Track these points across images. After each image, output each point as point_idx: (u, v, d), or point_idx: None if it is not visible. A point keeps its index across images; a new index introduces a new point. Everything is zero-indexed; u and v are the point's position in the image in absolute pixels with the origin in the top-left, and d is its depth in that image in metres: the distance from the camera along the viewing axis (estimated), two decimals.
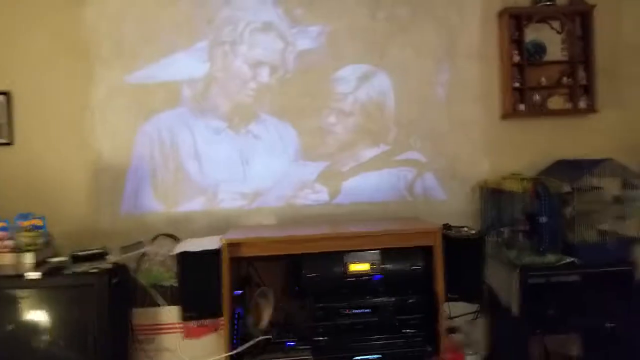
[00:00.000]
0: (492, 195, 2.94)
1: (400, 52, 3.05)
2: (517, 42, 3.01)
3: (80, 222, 2.89)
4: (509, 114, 3.03)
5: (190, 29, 2.95)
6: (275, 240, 2.53)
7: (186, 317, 2.50)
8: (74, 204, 2.91)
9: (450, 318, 2.91)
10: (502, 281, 2.78)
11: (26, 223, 2.48)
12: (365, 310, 2.51)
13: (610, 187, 2.75)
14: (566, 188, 2.70)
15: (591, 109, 3.02)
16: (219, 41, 2.98)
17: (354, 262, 2.52)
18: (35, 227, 2.46)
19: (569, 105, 3.03)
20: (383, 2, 3.03)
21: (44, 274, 2.36)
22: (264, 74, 3.01)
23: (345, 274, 2.51)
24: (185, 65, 2.96)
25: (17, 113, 2.89)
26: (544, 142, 3.08)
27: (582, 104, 3.01)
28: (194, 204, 2.99)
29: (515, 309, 2.65)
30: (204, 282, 2.44)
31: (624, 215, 2.73)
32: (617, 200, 2.74)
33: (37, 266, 2.39)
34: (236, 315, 2.54)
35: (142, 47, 2.93)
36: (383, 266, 2.52)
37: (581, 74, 3.01)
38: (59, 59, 2.90)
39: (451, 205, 3.08)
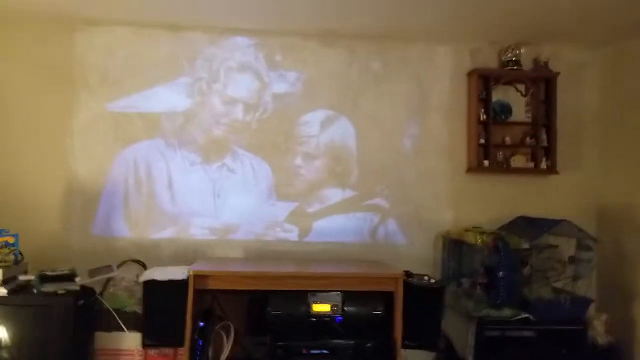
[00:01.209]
0: (454, 246, 3.04)
1: (372, 103, 3.22)
2: (485, 101, 3.17)
3: (51, 241, 2.94)
4: (474, 168, 3.18)
5: (173, 65, 3.09)
6: (242, 275, 2.60)
7: (147, 344, 2.54)
8: (46, 223, 2.97)
9: None
10: (459, 332, 2.85)
11: None
12: (324, 352, 2.56)
13: (567, 247, 2.88)
14: (525, 245, 2.81)
15: (552, 170, 3.17)
16: (200, 78, 3.12)
17: (318, 303, 2.58)
18: (7, 245, 2.51)
19: (531, 165, 3.18)
20: (358, 53, 3.22)
21: (11, 292, 2.41)
22: (240, 112, 3.14)
23: (309, 313, 2.56)
24: (166, 99, 3.09)
25: None
26: (506, 198, 3.22)
27: (543, 165, 3.16)
28: (163, 233, 3.07)
29: None
30: (169, 311, 2.48)
31: (577, 275, 2.85)
32: (572, 260, 2.85)
33: (4, 283, 2.42)
34: (197, 347, 2.57)
35: (126, 78, 3.06)
36: (345, 308, 2.58)
37: (543, 136, 3.18)
38: (45, 83, 3.02)
39: (412, 251, 3.18)
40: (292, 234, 3.15)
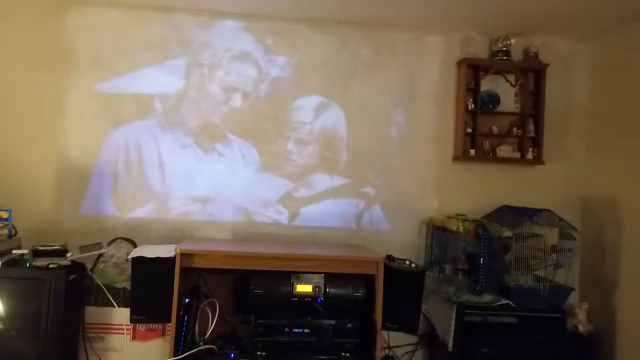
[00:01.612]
0: (437, 233, 3.09)
1: (360, 89, 3.26)
2: (473, 90, 3.19)
3: (43, 218, 3.04)
4: (460, 157, 3.21)
5: (163, 47, 3.14)
6: (227, 254, 2.66)
7: (135, 319, 2.62)
8: (39, 201, 3.05)
9: (390, 347, 3.03)
10: (441, 316, 2.91)
11: None
12: (305, 330, 2.63)
13: (550, 236, 2.91)
14: (507, 233, 2.84)
15: (538, 160, 3.19)
16: (190, 61, 3.18)
17: (300, 283, 2.64)
18: (1, 219, 2.61)
19: (517, 155, 3.21)
20: (348, 39, 3.25)
21: (4, 264, 2.51)
22: (237, 99, 3.21)
23: (291, 293, 2.63)
24: (158, 81, 3.15)
25: None
26: (491, 186, 3.25)
27: (529, 155, 3.19)
28: (153, 212, 3.15)
29: (450, 344, 2.78)
30: (155, 288, 2.56)
31: (559, 263, 2.88)
32: (554, 249, 2.89)
33: None
34: (184, 323, 2.66)
35: (116, 59, 3.12)
36: (327, 289, 2.65)
37: (530, 126, 3.20)
38: (38, 63, 3.07)
39: (397, 237, 3.23)
40: (281, 217, 3.22)
